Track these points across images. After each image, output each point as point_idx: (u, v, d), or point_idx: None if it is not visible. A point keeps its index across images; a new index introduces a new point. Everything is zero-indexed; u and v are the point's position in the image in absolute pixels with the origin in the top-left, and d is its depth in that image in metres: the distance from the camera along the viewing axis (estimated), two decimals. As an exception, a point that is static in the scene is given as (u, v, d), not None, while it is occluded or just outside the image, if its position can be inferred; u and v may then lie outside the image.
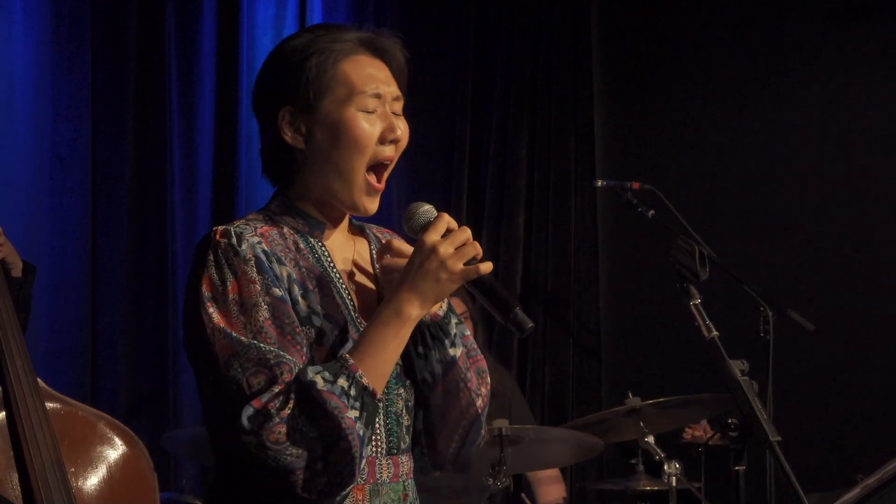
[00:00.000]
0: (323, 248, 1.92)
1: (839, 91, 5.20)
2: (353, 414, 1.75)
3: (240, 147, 4.73)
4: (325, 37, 1.90)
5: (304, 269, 1.87)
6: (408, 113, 1.98)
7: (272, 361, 1.74)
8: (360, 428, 1.75)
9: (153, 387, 4.53)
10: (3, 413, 2.50)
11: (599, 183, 5.07)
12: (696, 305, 2.36)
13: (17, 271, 2.83)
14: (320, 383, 1.74)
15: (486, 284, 1.87)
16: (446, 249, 1.82)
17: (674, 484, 3.88)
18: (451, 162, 5.47)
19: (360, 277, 1.97)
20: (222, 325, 1.76)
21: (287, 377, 1.74)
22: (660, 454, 3.92)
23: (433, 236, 1.83)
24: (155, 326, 4.52)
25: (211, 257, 1.81)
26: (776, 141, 5.29)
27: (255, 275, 1.79)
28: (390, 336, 1.81)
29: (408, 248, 1.92)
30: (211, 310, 1.77)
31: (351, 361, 1.78)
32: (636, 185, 4.81)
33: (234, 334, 1.76)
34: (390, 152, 1.91)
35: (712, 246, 4.03)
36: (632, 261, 5.52)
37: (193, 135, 4.70)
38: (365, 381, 1.77)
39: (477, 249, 1.84)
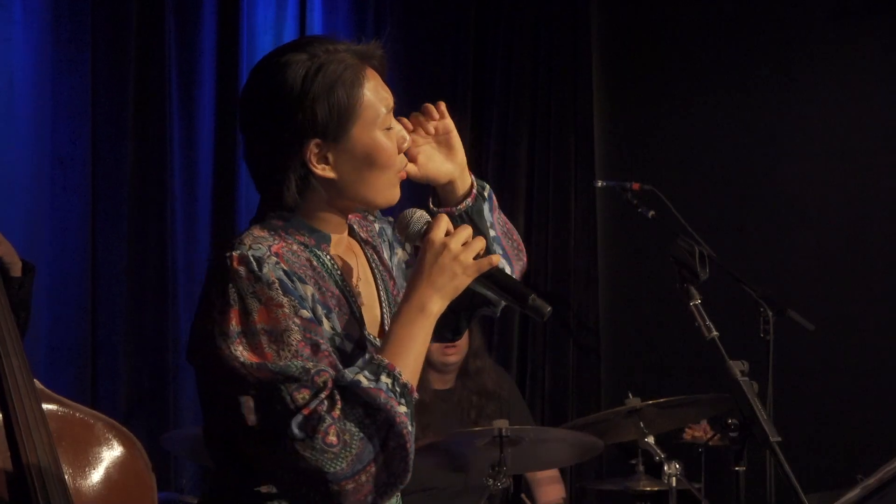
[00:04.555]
0: (332, 262, 1.90)
1: (839, 91, 5.20)
2: (403, 409, 1.74)
3: (240, 147, 4.73)
4: (331, 63, 1.84)
5: (322, 288, 1.84)
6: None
7: (312, 372, 1.72)
8: (409, 423, 1.75)
9: (153, 387, 4.52)
10: (0, 415, 2.49)
11: (599, 183, 5.07)
12: (696, 306, 2.35)
13: (16, 271, 2.81)
14: (364, 381, 1.73)
15: (499, 276, 1.89)
16: (455, 244, 1.84)
17: (674, 484, 3.87)
18: (451, 162, 5.45)
19: (364, 287, 1.95)
20: (255, 360, 1.72)
21: (330, 383, 1.73)
22: (660, 454, 3.92)
23: (439, 234, 1.85)
24: (155, 326, 4.52)
25: (233, 288, 1.75)
26: (776, 141, 5.29)
27: (281, 298, 1.76)
28: (417, 333, 1.82)
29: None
30: (240, 347, 1.73)
31: (386, 361, 1.77)
32: (636, 186, 4.81)
33: (269, 364, 1.72)
34: (406, 159, 1.95)
35: (712, 246, 4.02)
36: (632, 261, 5.52)
37: (193, 135, 4.70)
38: (404, 378, 1.77)
39: (482, 243, 1.87)
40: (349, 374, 1.74)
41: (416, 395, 1.79)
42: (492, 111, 5.51)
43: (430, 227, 1.88)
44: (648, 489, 4.02)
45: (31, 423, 2.46)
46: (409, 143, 1.95)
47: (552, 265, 5.49)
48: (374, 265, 2.01)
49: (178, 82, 4.63)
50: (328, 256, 1.90)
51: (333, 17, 5.16)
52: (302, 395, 1.71)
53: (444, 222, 1.87)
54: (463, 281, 1.84)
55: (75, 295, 4.35)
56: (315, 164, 1.85)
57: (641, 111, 5.63)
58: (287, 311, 1.75)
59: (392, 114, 1.91)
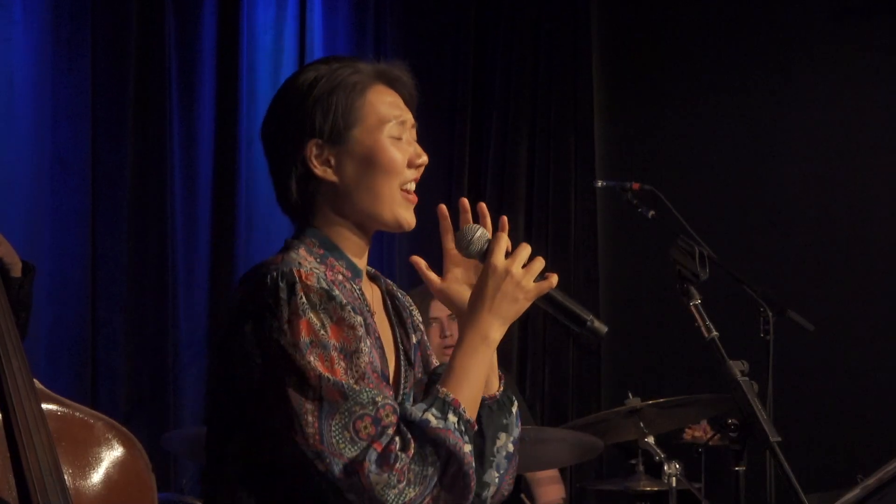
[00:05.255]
0: (364, 297, 1.89)
1: (839, 91, 5.20)
2: (469, 448, 1.77)
3: (240, 147, 4.73)
4: (342, 69, 1.88)
5: (367, 322, 1.83)
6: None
7: (379, 404, 1.73)
8: (472, 459, 1.78)
9: (153, 387, 4.52)
10: (0, 415, 2.49)
11: (599, 183, 5.06)
12: (696, 306, 2.35)
13: (16, 271, 2.81)
14: (433, 421, 1.75)
15: (557, 298, 1.92)
16: (517, 269, 1.85)
17: (674, 484, 3.87)
18: (452, 162, 5.47)
19: (381, 326, 1.94)
20: (327, 373, 1.72)
21: (393, 418, 1.74)
22: (660, 454, 3.91)
23: (501, 258, 1.86)
24: (155, 326, 4.52)
25: (303, 301, 1.74)
26: (776, 141, 5.29)
27: (353, 320, 1.77)
28: (480, 362, 1.84)
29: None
30: (312, 357, 1.72)
31: (451, 396, 1.79)
32: (636, 186, 4.79)
33: (341, 382, 1.72)
34: (416, 174, 1.93)
35: (712, 246, 4.01)
36: (632, 261, 5.52)
37: (193, 135, 4.70)
38: (467, 415, 1.79)
39: (541, 264, 1.89)
40: (417, 411, 1.76)
41: (475, 427, 1.83)
42: (492, 111, 5.51)
43: (490, 248, 1.88)
44: (648, 489, 4.02)
45: (31, 423, 2.46)
46: (425, 161, 1.93)
47: (552, 265, 5.47)
48: (389, 310, 2.00)
49: (178, 82, 4.63)
50: (359, 289, 1.89)
51: (333, 16, 5.15)
52: (365, 424, 1.72)
53: (504, 242, 1.88)
54: (524, 305, 1.86)
55: (75, 295, 4.35)
56: (315, 164, 1.86)
57: (641, 111, 5.63)
58: (359, 333, 1.76)
59: (409, 132, 1.92)
